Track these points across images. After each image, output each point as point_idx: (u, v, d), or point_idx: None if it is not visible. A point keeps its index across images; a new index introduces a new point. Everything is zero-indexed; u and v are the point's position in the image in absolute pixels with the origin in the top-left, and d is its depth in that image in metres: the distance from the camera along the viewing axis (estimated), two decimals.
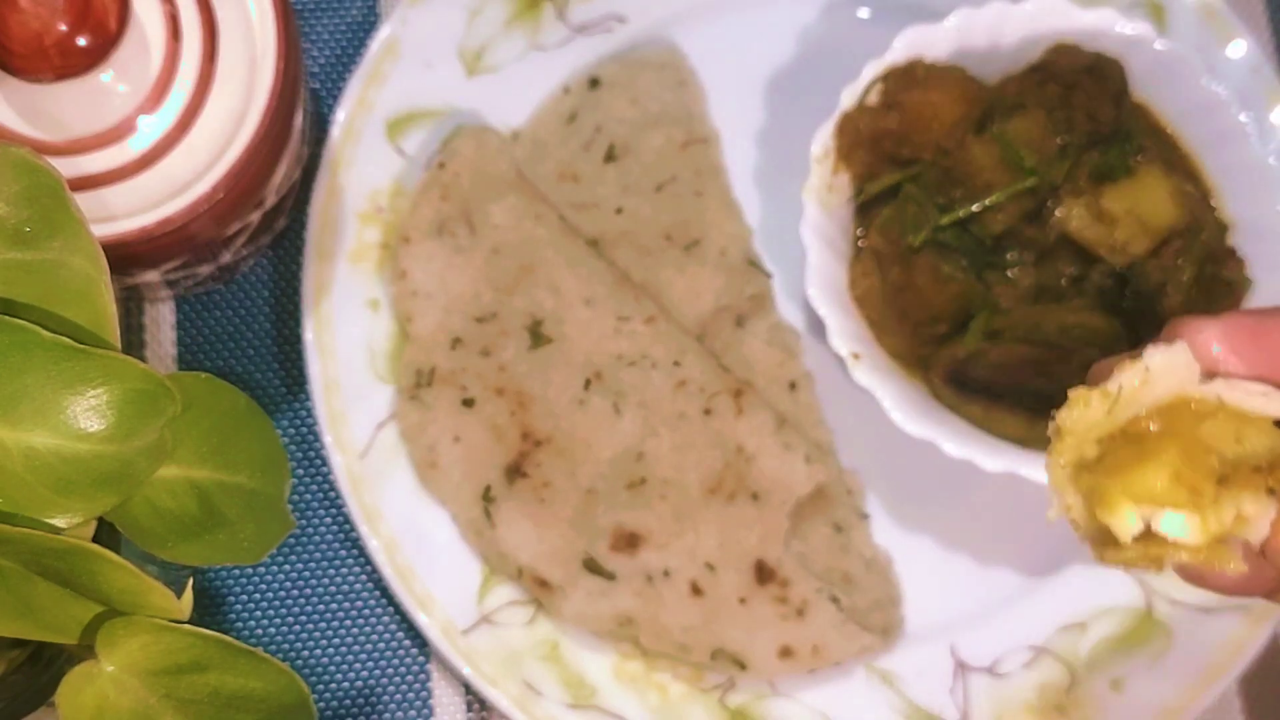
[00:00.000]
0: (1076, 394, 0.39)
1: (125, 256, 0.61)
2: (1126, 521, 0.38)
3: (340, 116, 0.72)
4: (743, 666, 0.68)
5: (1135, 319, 0.66)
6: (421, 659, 0.71)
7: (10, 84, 0.57)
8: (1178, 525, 0.38)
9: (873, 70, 0.67)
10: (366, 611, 0.71)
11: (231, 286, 0.74)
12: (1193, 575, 0.40)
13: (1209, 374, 0.39)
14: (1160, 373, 0.38)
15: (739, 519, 0.69)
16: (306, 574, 0.72)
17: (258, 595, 0.71)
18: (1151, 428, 0.39)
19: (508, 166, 0.73)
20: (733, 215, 0.74)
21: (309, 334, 0.70)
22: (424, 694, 0.71)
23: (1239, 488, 0.38)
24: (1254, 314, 0.39)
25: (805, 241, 0.67)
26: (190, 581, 0.48)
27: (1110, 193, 0.65)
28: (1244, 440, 0.38)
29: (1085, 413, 0.39)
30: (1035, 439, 0.66)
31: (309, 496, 0.72)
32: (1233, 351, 0.38)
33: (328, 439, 0.70)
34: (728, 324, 0.73)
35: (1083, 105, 0.66)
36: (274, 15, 0.62)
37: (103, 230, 0.59)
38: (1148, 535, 0.38)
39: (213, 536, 0.52)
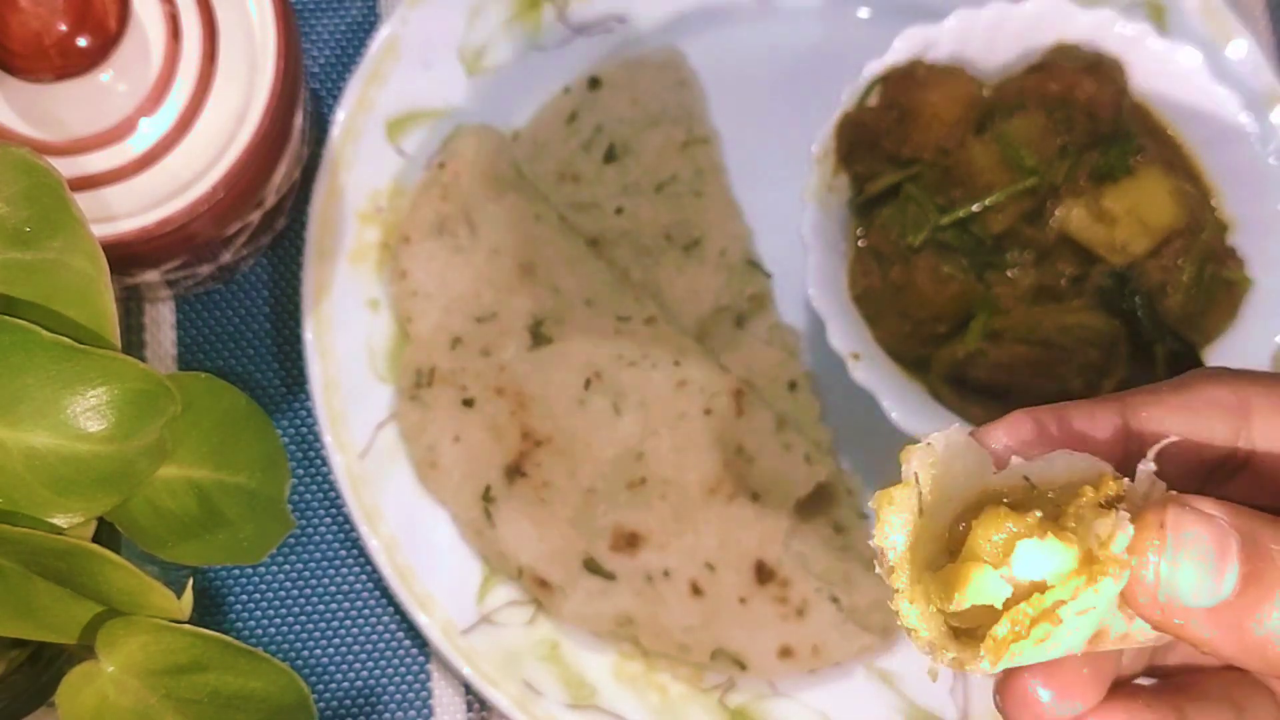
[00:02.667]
0: (879, 497, 0.35)
1: (125, 256, 0.61)
2: (988, 584, 0.33)
3: (340, 116, 0.72)
4: (743, 666, 0.68)
5: (1135, 319, 0.66)
6: (421, 659, 0.71)
7: (10, 84, 0.57)
8: (1039, 555, 0.33)
9: (873, 70, 0.67)
10: (366, 611, 0.71)
11: (231, 286, 0.74)
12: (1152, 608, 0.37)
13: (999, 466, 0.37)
14: (949, 451, 0.35)
15: (739, 519, 0.69)
16: (306, 574, 0.72)
17: (258, 595, 0.71)
18: (964, 527, 0.35)
19: (508, 166, 0.73)
20: (733, 215, 0.74)
21: (309, 334, 0.70)
22: (424, 694, 0.71)
23: (1075, 516, 0.34)
24: (1041, 410, 0.39)
25: (805, 241, 0.67)
26: (190, 581, 0.48)
27: (1110, 193, 0.65)
28: (1062, 508, 0.35)
29: (896, 520, 0.35)
30: None
31: (309, 496, 0.72)
32: (1023, 445, 0.37)
33: (328, 439, 0.70)
34: (728, 324, 0.73)
35: (1083, 105, 0.66)
36: (274, 15, 0.62)
37: (103, 230, 0.59)
38: (1017, 599, 0.33)
39: (213, 536, 0.52)
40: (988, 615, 0.34)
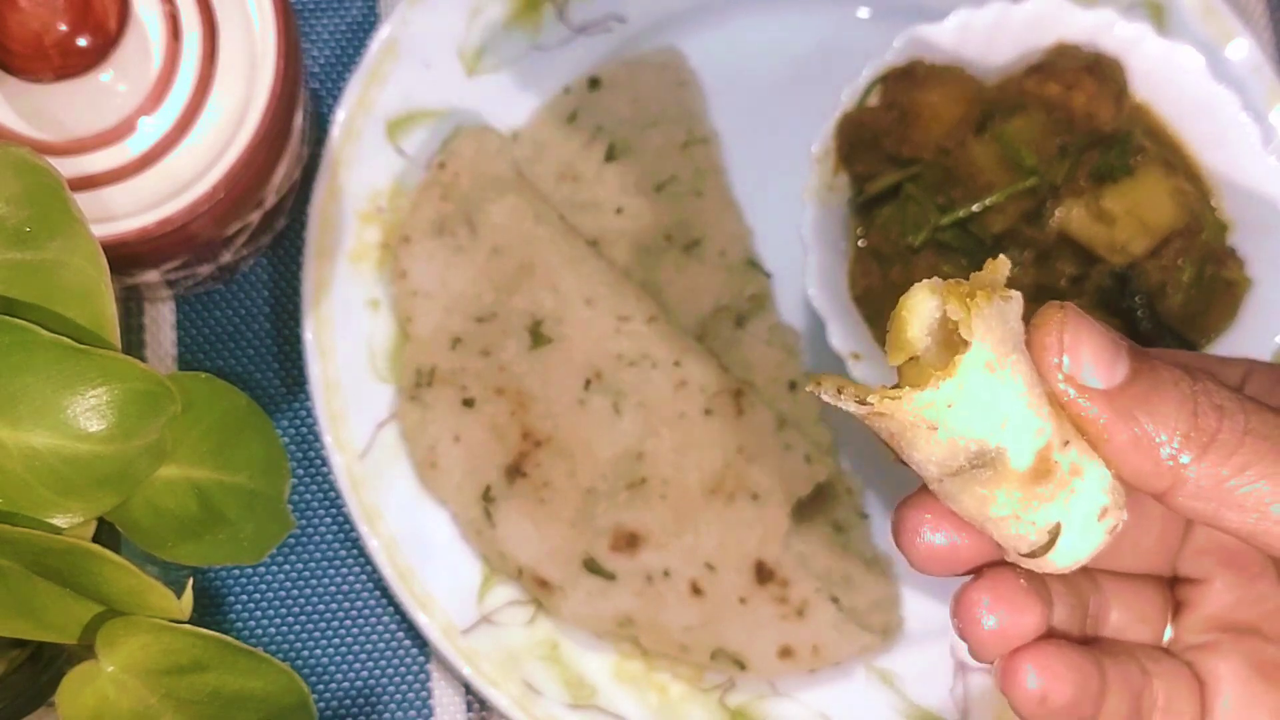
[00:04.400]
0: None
1: (125, 256, 0.61)
2: (921, 305, 0.38)
3: (340, 116, 0.72)
4: (743, 666, 0.68)
5: (1135, 319, 0.66)
6: (421, 659, 0.71)
7: (10, 84, 0.57)
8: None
9: (873, 70, 0.67)
10: (366, 611, 0.71)
11: (231, 286, 0.74)
12: (1036, 702, 0.42)
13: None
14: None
15: (739, 519, 0.69)
16: (306, 574, 0.72)
17: (258, 595, 0.71)
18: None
19: (508, 166, 0.73)
20: (733, 215, 0.74)
21: (309, 334, 0.70)
22: (424, 694, 0.71)
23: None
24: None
25: (805, 241, 0.67)
26: (190, 581, 0.48)
27: (1110, 193, 0.65)
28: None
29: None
30: None
31: (309, 496, 0.72)
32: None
33: (328, 439, 0.70)
34: (728, 324, 0.73)
35: (1083, 105, 0.66)
36: (274, 15, 0.62)
37: (103, 230, 0.59)
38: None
39: (213, 536, 0.52)
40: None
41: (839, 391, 0.39)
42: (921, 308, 0.38)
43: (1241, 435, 0.38)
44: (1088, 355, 0.38)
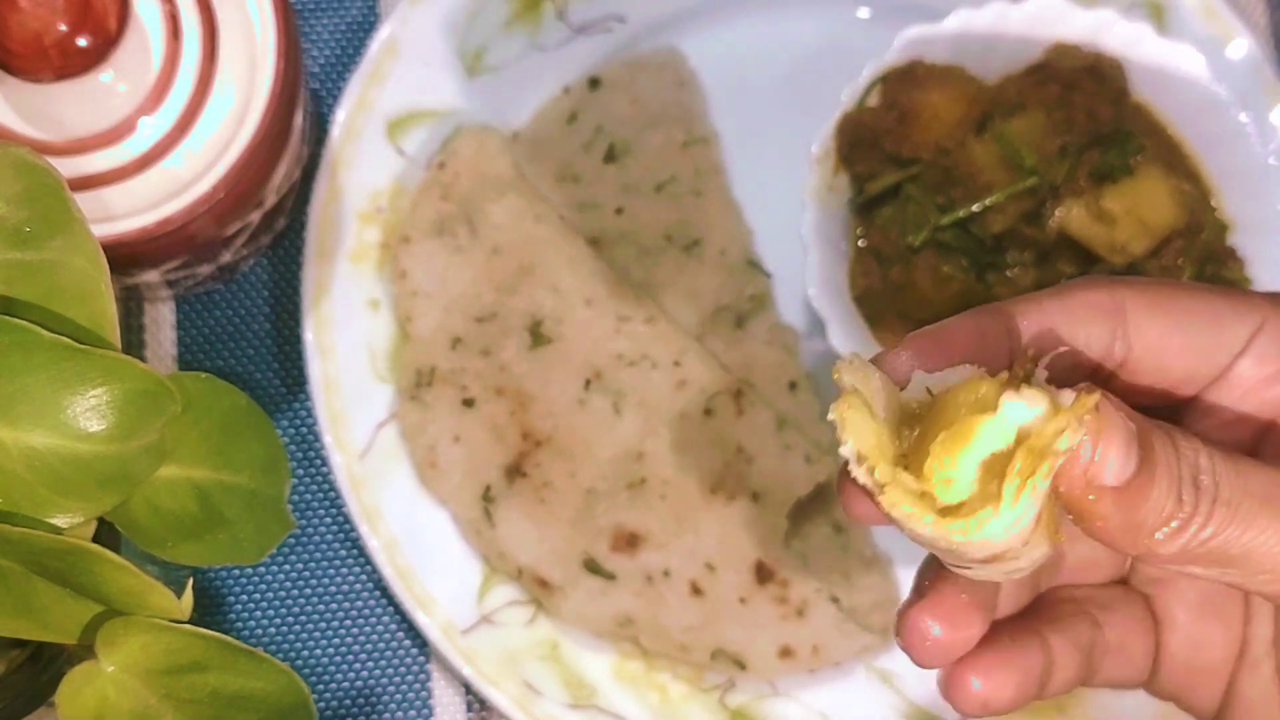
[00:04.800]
0: (837, 409, 0.38)
1: (125, 256, 0.61)
2: (991, 432, 0.36)
3: (340, 116, 0.72)
4: (743, 666, 0.68)
5: None
6: (421, 659, 0.71)
7: (10, 84, 0.57)
8: (1023, 404, 0.36)
9: (873, 70, 0.67)
10: (366, 611, 0.71)
11: (231, 286, 0.74)
12: (978, 704, 0.43)
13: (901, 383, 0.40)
14: (857, 377, 0.38)
15: (739, 519, 0.69)
16: (306, 574, 0.72)
17: (258, 595, 0.71)
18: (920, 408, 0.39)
19: (508, 166, 0.73)
20: (733, 215, 0.74)
21: (309, 334, 0.70)
22: (424, 694, 0.71)
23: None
24: (934, 328, 0.41)
25: (805, 241, 0.66)
26: (190, 581, 0.48)
27: (1110, 193, 0.65)
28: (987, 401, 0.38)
29: (855, 416, 0.37)
30: None
31: (309, 496, 0.72)
32: (928, 361, 0.40)
33: (328, 439, 0.70)
34: (728, 324, 0.73)
35: (1083, 105, 0.66)
36: (274, 15, 0.62)
37: (103, 230, 0.59)
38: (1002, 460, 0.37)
39: (213, 536, 0.52)
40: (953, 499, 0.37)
41: (886, 499, 0.37)
42: (976, 450, 0.37)
43: (1211, 507, 0.39)
44: (1113, 458, 0.38)
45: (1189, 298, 0.43)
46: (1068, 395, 0.37)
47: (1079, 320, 0.42)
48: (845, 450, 0.37)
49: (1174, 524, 0.38)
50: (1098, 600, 0.47)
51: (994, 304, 0.42)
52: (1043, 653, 0.45)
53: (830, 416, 0.38)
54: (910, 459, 0.38)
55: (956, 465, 0.37)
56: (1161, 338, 0.42)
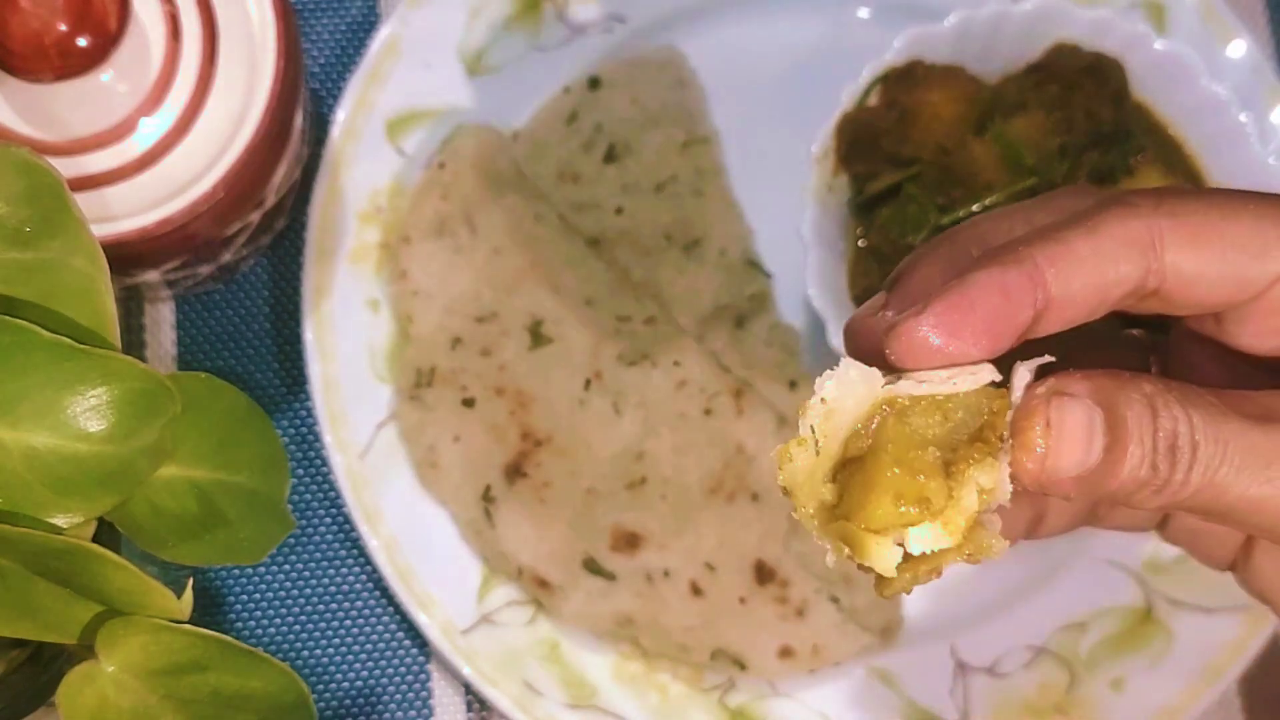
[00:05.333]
0: (778, 452, 0.38)
1: (125, 256, 0.61)
2: (885, 556, 0.37)
3: (340, 116, 0.72)
4: (743, 666, 0.68)
5: (1135, 318, 0.66)
6: (421, 659, 0.71)
7: (10, 84, 0.57)
8: (927, 538, 0.37)
9: (873, 70, 0.67)
10: (366, 611, 0.71)
11: (231, 286, 0.74)
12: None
13: (893, 373, 0.38)
14: (841, 397, 0.38)
15: (739, 519, 0.69)
16: (306, 574, 0.72)
17: (258, 595, 0.71)
18: (865, 445, 0.38)
19: (508, 166, 0.73)
20: (733, 215, 0.74)
21: (309, 334, 0.70)
22: (424, 694, 0.71)
23: (965, 465, 0.37)
24: (955, 290, 0.39)
25: (805, 241, 0.67)
26: (190, 581, 0.48)
27: None
28: (949, 417, 0.38)
29: (794, 467, 0.38)
30: None
31: (309, 496, 0.72)
32: (951, 335, 0.38)
33: (328, 439, 0.70)
34: (728, 324, 0.73)
35: (1083, 105, 0.66)
36: (274, 15, 0.62)
37: (103, 230, 0.59)
38: (910, 559, 0.38)
39: (213, 536, 0.52)
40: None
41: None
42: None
43: (1188, 474, 0.38)
44: (1066, 453, 0.38)
45: (1233, 225, 0.40)
46: (1021, 375, 0.38)
47: (1110, 259, 0.39)
48: (780, 482, 0.38)
49: (1149, 490, 0.38)
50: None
51: (1020, 250, 0.39)
52: (1036, 506, 0.43)
53: (770, 455, 0.39)
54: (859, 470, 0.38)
55: (875, 547, 0.38)
56: (1198, 269, 0.40)
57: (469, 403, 0.70)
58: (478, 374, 0.71)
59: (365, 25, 0.78)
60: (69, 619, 0.48)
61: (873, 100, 0.68)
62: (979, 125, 0.67)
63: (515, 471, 0.70)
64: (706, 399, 0.70)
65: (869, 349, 0.40)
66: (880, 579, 0.38)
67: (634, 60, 0.75)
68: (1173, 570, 0.70)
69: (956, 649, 0.70)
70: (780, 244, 0.73)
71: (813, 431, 0.38)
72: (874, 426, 0.38)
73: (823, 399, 0.38)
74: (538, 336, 0.71)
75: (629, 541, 0.69)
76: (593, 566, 0.69)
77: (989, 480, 0.37)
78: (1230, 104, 0.67)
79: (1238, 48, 0.73)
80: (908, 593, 0.38)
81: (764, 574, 0.69)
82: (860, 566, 0.38)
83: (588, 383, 0.71)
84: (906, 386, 0.38)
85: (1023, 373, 0.39)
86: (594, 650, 0.69)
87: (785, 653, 0.68)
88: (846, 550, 0.38)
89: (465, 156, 0.73)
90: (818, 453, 0.38)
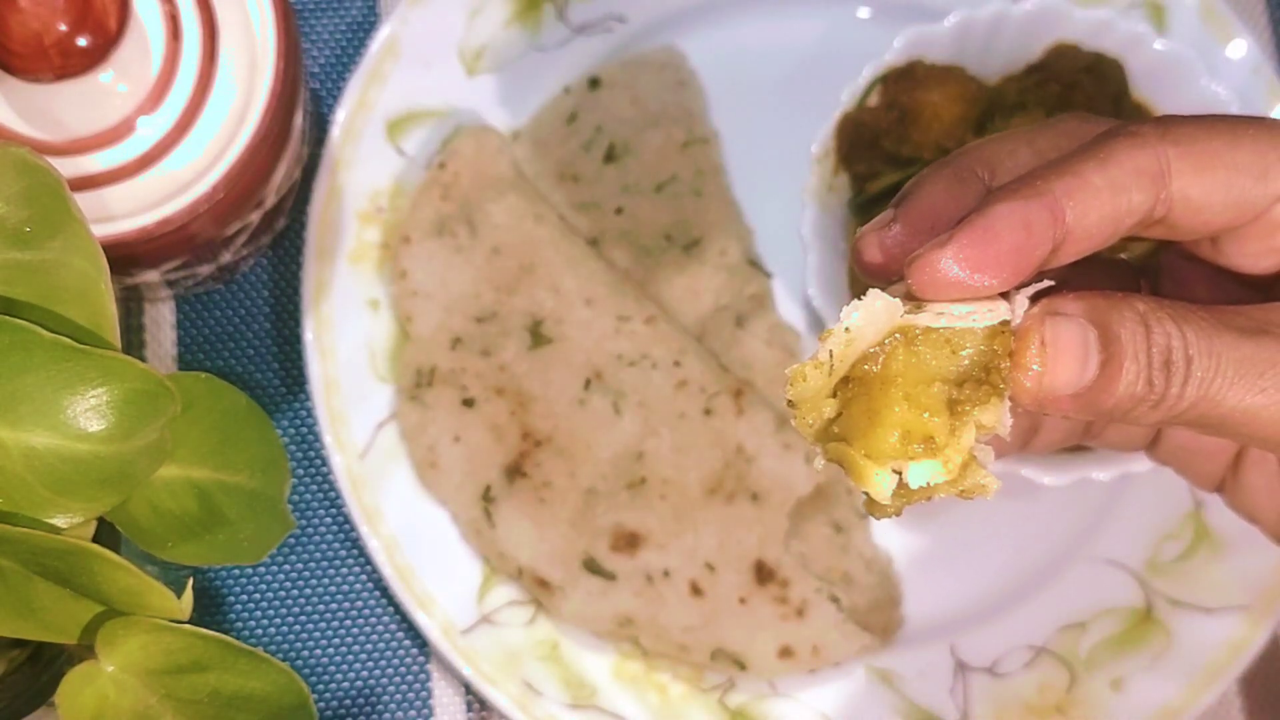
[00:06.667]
0: (792, 371, 0.39)
1: (125, 256, 0.61)
2: (880, 483, 0.38)
3: (340, 116, 0.72)
4: (743, 666, 0.68)
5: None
6: (421, 659, 0.71)
7: (10, 84, 0.57)
8: (925, 473, 0.38)
9: (873, 70, 0.67)
10: (366, 611, 0.71)
11: (231, 286, 0.74)
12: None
13: (914, 303, 0.39)
14: (863, 326, 0.39)
15: (739, 519, 0.69)
16: (306, 574, 0.72)
17: (258, 595, 0.71)
18: (874, 369, 0.39)
19: (508, 166, 0.73)
20: (733, 215, 0.74)
21: (309, 334, 0.70)
22: (424, 694, 0.71)
23: (969, 405, 0.38)
24: (978, 223, 0.39)
25: (805, 241, 0.67)
26: (190, 581, 0.48)
27: None
28: (958, 352, 0.38)
29: (805, 386, 0.39)
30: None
31: (309, 496, 0.72)
32: (974, 268, 0.39)
33: (328, 439, 0.70)
34: (728, 324, 0.73)
35: (1082, 105, 0.66)
36: (274, 15, 0.62)
37: (103, 230, 0.59)
38: (903, 487, 0.39)
39: (213, 536, 0.52)
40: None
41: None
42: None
43: (1183, 387, 0.39)
44: (1062, 371, 0.39)
45: (1235, 150, 0.41)
46: (1020, 302, 0.38)
47: (1123, 190, 0.40)
48: (787, 395, 0.40)
49: (1145, 405, 0.39)
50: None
51: (1038, 184, 0.39)
52: (1030, 418, 0.44)
53: (786, 373, 0.40)
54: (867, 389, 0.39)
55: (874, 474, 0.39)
56: (1204, 196, 0.41)
57: (469, 403, 0.70)
58: (478, 374, 0.71)
59: (365, 25, 0.78)
60: (69, 619, 0.48)
61: (873, 100, 0.68)
62: (979, 125, 0.67)
63: (515, 471, 0.70)
64: (706, 399, 0.70)
65: (874, 266, 0.42)
66: (871, 502, 0.39)
67: (634, 60, 0.75)
68: (1173, 570, 0.70)
69: (956, 649, 0.70)
70: (780, 244, 0.73)
71: (830, 356, 0.39)
72: (884, 351, 0.39)
73: (847, 328, 0.39)
74: (538, 336, 0.71)
75: (629, 541, 0.69)
76: (593, 566, 0.69)
77: (991, 420, 0.38)
78: (1230, 104, 0.67)
79: (1238, 48, 0.73)
80: (897, 515, 0.39)
81: (764, 574, 0.69)
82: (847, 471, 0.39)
83: (588, 383, 0.71)
84: (926, 318, 0.39)
85: (1021, 299, 0.39)
86: (594, 650, 0.69)
87: (785, 653, 0.68)
88: (837, 465, 0.39)
89: (465, 156, 0.73)
90: (831, 373, 0.39)
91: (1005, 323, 0.39)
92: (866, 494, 0.39)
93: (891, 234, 0.41)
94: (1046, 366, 0.38)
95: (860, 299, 0.38)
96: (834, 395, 0.39)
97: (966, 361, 0.39)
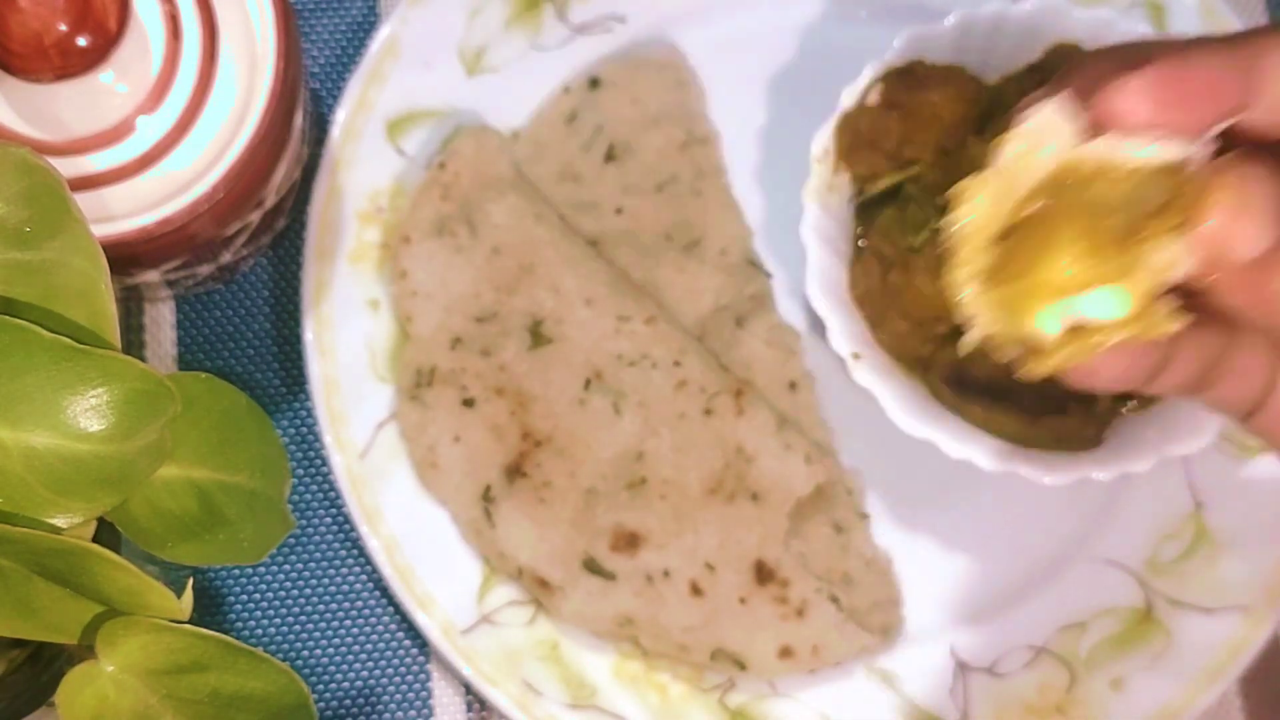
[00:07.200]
0: (963, 185, 0.37)
1: (125, 256, 0.61)
2: (1047, 324, 0.36)
3: (340, 116, 0.72)
4: (743, 666, 0.68)
5: None
6: (421, 659, 0.71)
7: (10, 84, 0.57)
8: (1103, 304, 0.35)
9: (873, 70, 0.67)
10: (366, 611, 0.71)
11: (231, 286, 0.74)
12: (1085, 373, 0.39)
13: (1093, 130, 0.37)
14: (1042, 133, 0.36)
15: (739, 519, 0.69)
16: (306, 574, 0.72)
17: (258, 595, 0.71)
18: (1042, 206, 0.36)
19: (508, 166, 0.73)
20: (733, 215, 0.74)
21: (309, 334, 0.70)
22: (424, 694, 0.71)
23: (1145, 240, 0.36)
24: (1171, 62, 0.37)
25: (805, 241, 0.67)
26: (190, 581, 0.48)
27: None
28: (1132, 192, 0.36)
29: (976, 206, 0.36)
30: (1035, 439, 0.66)
31: (309, 496, 0.72)
32: (1163, 101, 0.36)
33: (328, 439, 0.70)
34: (728, 324, 0.73)
35: None
36: (274, 15, 0.62)
37: (103, 230, 0.59)
38: (1074, 330, 0.36)
39: (213, 536, 0.52)
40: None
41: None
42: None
43: None
44: (1248, 226, 0.35)
45: None
46: (1204, 145, 0.35)
47: None
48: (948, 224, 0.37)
49: None
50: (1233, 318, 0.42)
51: (1238, 41, 0.37)
52: (1163, 350, 0.40)
53: (951, 193, 0.37)
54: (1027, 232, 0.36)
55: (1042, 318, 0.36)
56: None
57: (469, 403, 0.70)
58: (478, 374, 0.71)
59: (365, 25, 0.78)
60: (69, 619, 0.48)
61: (873, 100, 0.68)
62: (979, 125, 0.67)
63: (515, 471, 0.70)
64: (706, 399, 0.70)
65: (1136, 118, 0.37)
66: (1031, 355, 0.36)
67: (634, 60, 0.75)
68: (1173, 570, 0.70)
69: (956, 649, 0.70)
70: (780, 244, 0.73)
71: (1005, 166, 0.36)
72: (1052, 195, 0.36)
73: (1029, 126, 0.36)
74: (538, 336, 0.71)
75: (629, 541, 0.69)
76: (593, 566, 0.69)
77: (1166, 260, 0.35)
78: None
79: None
80: (1060, 371, 0.36)
81: (764, 574, 0.69)
82: (1004, 346, 0.36)
83: (588, 383, 0.71)
84: (1104, 145, 0.36)
85: (1204, 148, 0.37)
86: (594, 650, 0.69)
87: (785, 653, 0.68)
88: (993, 323, 0.36)
89: (465, 156, 0.73)
90: (999, 200, 0.36)
91: (1180, 166, 0.36)
92: (1026, 351, 0.36)
93: (1128, 97, 0.37)
94: (1230, 217, 0.35)
95: (1033, 110, 0.36)
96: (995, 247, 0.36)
97: (1139, 201, 0.36)
